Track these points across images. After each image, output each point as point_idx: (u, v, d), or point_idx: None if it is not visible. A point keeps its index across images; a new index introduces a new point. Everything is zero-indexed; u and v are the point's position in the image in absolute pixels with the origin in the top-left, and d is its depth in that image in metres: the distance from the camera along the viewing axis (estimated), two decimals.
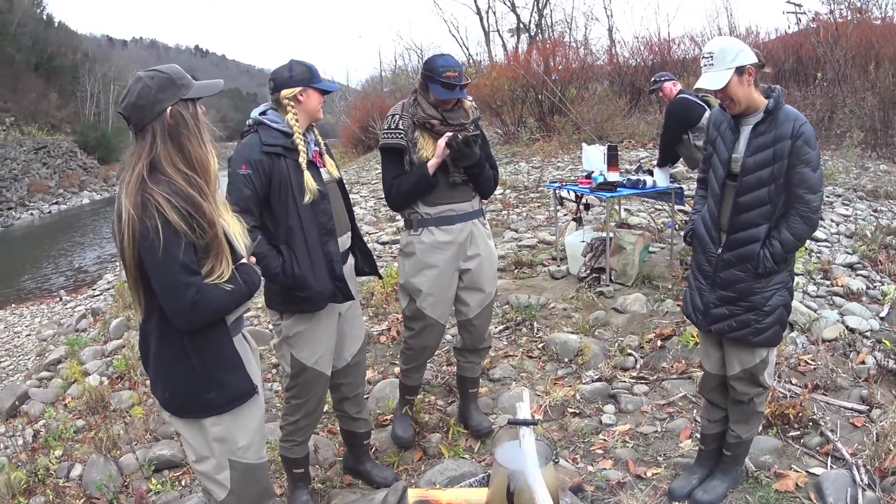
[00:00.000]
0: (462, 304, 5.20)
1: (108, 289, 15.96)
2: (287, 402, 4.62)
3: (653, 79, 8.97)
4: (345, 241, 4.48)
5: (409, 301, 5.12)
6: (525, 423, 3.95)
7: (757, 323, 4.12)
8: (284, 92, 4.18)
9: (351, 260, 4.62)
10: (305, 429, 4.63)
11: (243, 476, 3.46)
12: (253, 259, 3.50)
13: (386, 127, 4.96)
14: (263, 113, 4.26)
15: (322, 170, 4.34)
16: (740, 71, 3.87)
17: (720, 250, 4.17)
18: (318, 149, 4.38)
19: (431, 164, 4.77)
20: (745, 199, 4.01)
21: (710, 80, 3.90)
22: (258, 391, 3.45)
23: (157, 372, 3.33)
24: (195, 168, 3.10)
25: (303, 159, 4.15)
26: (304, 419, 4.57)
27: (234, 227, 3.28)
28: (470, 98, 5.03)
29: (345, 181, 4.70)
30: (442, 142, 4.73)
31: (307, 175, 4.13)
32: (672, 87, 8.48)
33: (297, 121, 4.18)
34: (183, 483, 5.53)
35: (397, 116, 4.91)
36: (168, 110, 3.05)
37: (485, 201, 5.36)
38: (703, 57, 3.96)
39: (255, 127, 4.22)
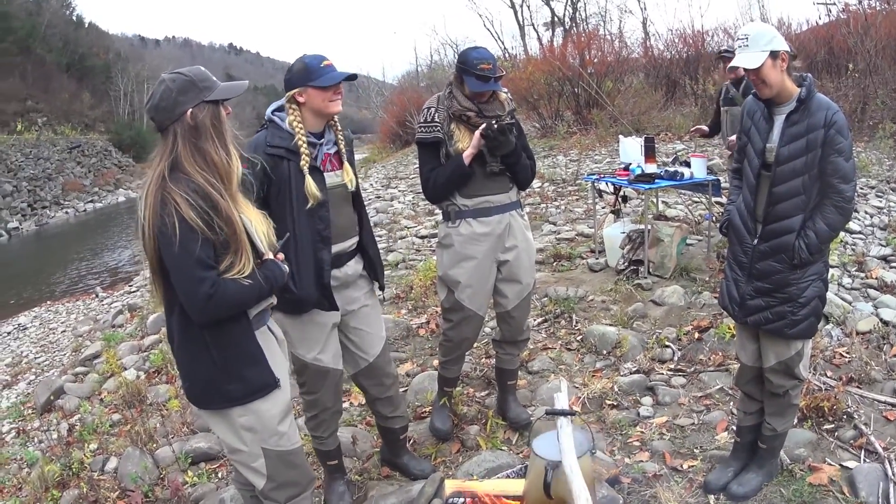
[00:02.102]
0: (500, 295, 5.20)
1: (145, 285, 16.02)
2: (302, 399, 4.62)
3: (727, 48, 8.77)
4: (346, 246, 4.40)
5: (447, 293, 5.13)
6: (563, 413, 3.95)
7: (793, 315, 4.10)
8: (287, 93, 4.11)
9: (356, 263, 4.53)
10: (328, 422, 4.61)
11: (278, 462, 3.55)
12: (281, 256, 3.55)
13: (422, 120, 4.97)
14: (280, 109, 4.21)
15: (329, 173, 4.25)
16: (774, 55, 3.85)
17: (756, 241, 4.16)
18: (335, 150, 4.32)
19: (467, 155, 4.77)
20: (780, 190, 4.00)
21: (746, 59, 3.88)
22: (280, 384, 3.50)
23: (181, 364, 3.45)
24: (214, 168, 3.19)
25: (304, 163, 4.05)
26: (322, 413, 4.55)
27: (258, 225, 3.37)
28: (505, 90, 5.03)
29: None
30: (478, 133, 4.72)
31: (308, 180, 4.05)
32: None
33: (299, 123, 4.09)
34: (220, 475, 5.57)
35: (433, 109, 4.92)
36: (188, 112, 3.14)
37: (522, 193, 5.33)
38: (738, 38, 3.95)
39: (267, 124, 4.19)
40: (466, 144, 4.80)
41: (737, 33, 4.04)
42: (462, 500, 4.17)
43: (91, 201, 41.32)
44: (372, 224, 13.38)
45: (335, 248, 4.25)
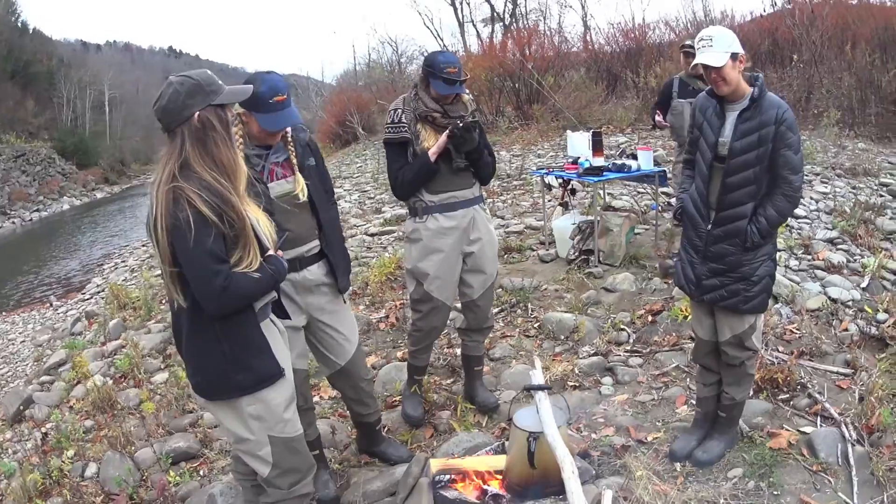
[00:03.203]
0: (466, 286, 5.43)
1: (99, 292, 16.00)
2: None
3: (692, 42, 8.05)
4: (303, 250, 4.42)
5: (416, 285, 5.33)
6: (540, 388, 4.21)
7: (746, 292, 4.42)
8: (235, 106, 3.95)
9: (318, 268, 4.51)
10: (301, 415, 4.37)
11: (284, 449, 3.70)
12: (280, 252, 3.68)
13: (389, 121, 5.15)
14: None
15: (279, 181, 4.26)
16: (734, 57, 4.17)
17: (710, 226, 4.47)
18: (284, 157, 4.30)
19: (433, 152, 4.98)
20: (733, 180, 4.31)
21: (711, 57, 4.17)
22: (284, 373, 3.64)
23: (190, 357, 3.56)
24: (222, 169, 3.29)
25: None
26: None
27: (263, 222, 3.48)
28: (467, 92, 5.27)
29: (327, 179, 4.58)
30: (446, 132, 4.95)
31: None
32: None
33: (241, 137, 4.00)
34: (201, 473, 5.63)
35: (399, 111, 5.10)
36: (196, 115, 3.23)
37: (484, 188, 5.55)
38: (702, 39, 4.22)
39: None
40: (432, 143, 5.01)
41: (699, 34, 4.32)
42: (448, 476, 4.41)
43: (37, 210, 40.84)
44: None
45: (290, 254, 4.23)
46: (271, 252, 3.55)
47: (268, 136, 4.14)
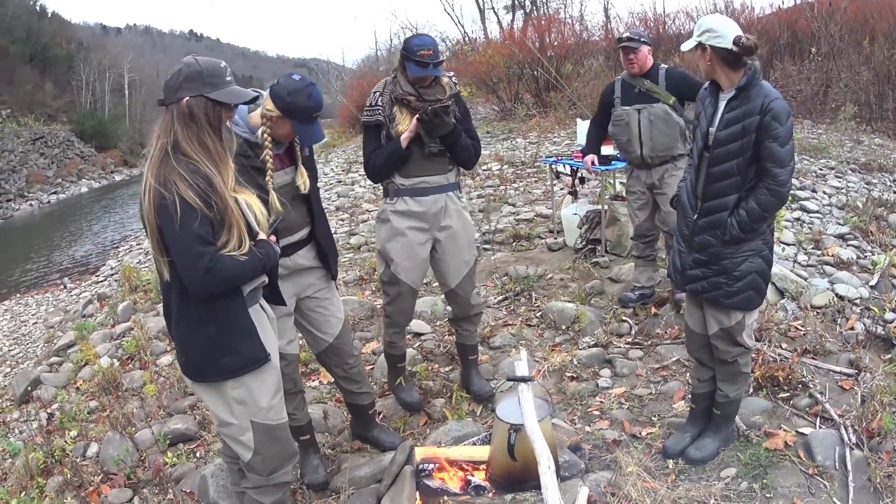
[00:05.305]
0: (441, 274, 5.48)
1: (112, 274, 16.05)
2: None
3: (629, 34, 6.78)
4: (296, 238, 4.51)
5: (385, 266, 5.37)
6: (522, 379, 4.19)
7: (728, 286, 4.35)
8: (267, 105, 4.01)
9: (307, 252, 4.61)
10: (289, 399, 4.55)
11: (265, 436, 3.70)
12: (273, 237, 3.69)
13: (367, 104, 5.20)
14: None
15: (278, 172, 4.24)
16: (702, 48, 4.19)
17: (696, 216, 4.42)
18: (284, 148, 4.32)
19: (404, 137, 5.00)
20: (716, 170, 4.26)
21: (685, 44, 4.31)
22: (270, 358, 3.65)
23: (177, 338, 3.59)
24: (208, 154, 3.31)
25: (269, 179, 4.05)
26: (285, 395, 4.35)
27: (255, 207, 3.50)
28: (450, 74, 5.28)
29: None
30: (415, 117, 4.97)
31: (273, 196, 4.00)
32: (649, 56, 6.83)
33: (269, 137, 4.05)
34: (198, 455, 5.68)
35: (378, 94, 5.15)
36: (185, 100, 3.26)
37: (470, 174, 5.53)
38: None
39: None
40: (407, 126, 5.02)
41: None
42: (432, 465, 4.41)
43: (55, 192, 41.16)
44: (334, 208, 13.20)
45: (284, 241, 4.31)
46: (262, 236, 3.57)
47: (286, 140, 4.22)
